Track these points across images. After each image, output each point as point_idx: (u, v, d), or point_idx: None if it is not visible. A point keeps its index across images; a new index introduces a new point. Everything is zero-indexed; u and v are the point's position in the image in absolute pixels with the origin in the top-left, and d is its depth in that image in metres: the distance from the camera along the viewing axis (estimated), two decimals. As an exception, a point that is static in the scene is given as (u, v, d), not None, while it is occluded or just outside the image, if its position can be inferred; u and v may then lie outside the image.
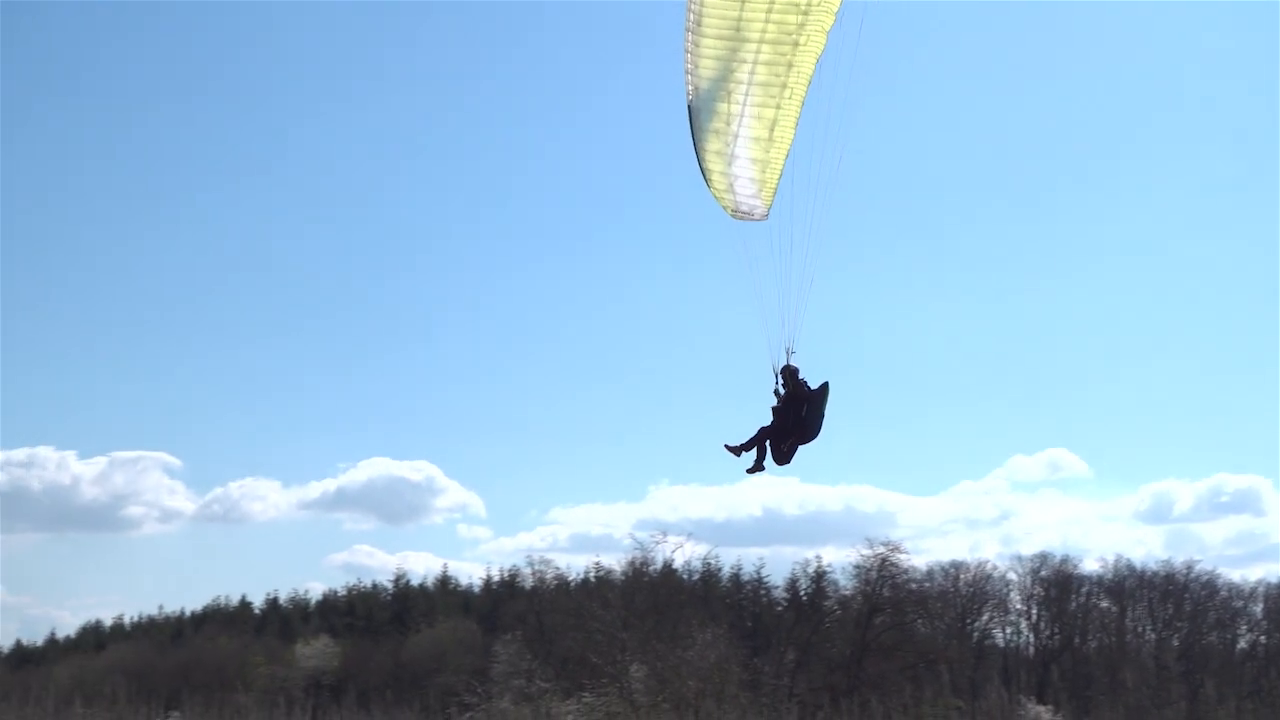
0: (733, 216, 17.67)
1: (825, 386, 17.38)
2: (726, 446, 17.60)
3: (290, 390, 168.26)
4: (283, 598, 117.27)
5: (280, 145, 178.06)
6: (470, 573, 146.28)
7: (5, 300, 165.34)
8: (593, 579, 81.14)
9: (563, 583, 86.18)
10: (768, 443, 17.45)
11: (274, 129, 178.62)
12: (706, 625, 62.20)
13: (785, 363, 17.34)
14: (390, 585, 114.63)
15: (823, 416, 17.46)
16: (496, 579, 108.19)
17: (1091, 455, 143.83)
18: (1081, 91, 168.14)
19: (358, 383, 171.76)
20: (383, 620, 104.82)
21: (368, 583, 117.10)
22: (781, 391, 17.30)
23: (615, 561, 77.14)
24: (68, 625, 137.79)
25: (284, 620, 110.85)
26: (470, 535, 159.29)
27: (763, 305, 16.90)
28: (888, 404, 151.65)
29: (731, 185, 17.56)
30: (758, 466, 17.50)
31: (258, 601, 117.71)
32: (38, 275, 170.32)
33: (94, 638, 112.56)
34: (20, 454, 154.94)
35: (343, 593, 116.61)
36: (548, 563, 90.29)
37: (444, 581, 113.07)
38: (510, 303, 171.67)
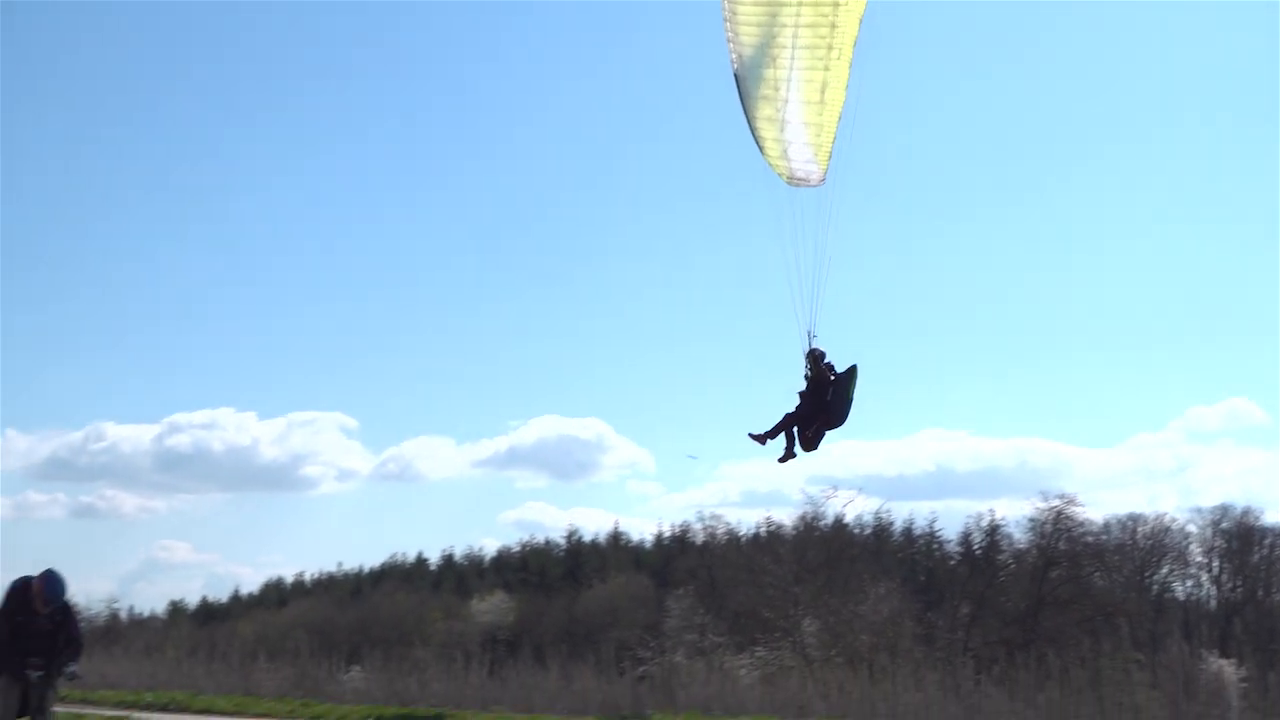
0: (788, 183, 17.15)
1: (852, 370, 16.90)
2: (751, 435, 17.27)
3: (462, 350, 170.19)
4: (458, 554, 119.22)
5: (430, 90, 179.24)
6: (641, 528, 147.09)
7: (190, 269, 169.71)
8: (763, 534, 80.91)
9: (734, 538, 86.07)
10: (795, 429, 17.05)
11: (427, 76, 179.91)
12: (879, 580, 61.73)
13: (810, 346, 16.91)
14: (563, 541, 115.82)
15: (850, 401, 16.96)
16: (668, 535, 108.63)
17: (1273, 404, 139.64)
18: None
19: (529, 341, 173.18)
20: (556, 576, 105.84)
21: (541, 539, 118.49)
22: (809, 375, 16.91)
23: (786, 516, 77.09)
24: (251, 582, 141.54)
25: (459, 576, 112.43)
26: (640, 491, 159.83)
27: (791, 286, 16.57)
28: (1061, 356, 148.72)
29: (785, 151, 17.05)
30: (789, 454, 17.14)
31: (434, 558, 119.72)
32: (218, 243, 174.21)
33: (276, 594, 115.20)
34: (203, 416, 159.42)
35: (516, 549, 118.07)
36: (718, 518, 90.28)
37: (615, 537, 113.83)
38: (684, 264, 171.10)
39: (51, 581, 15.88)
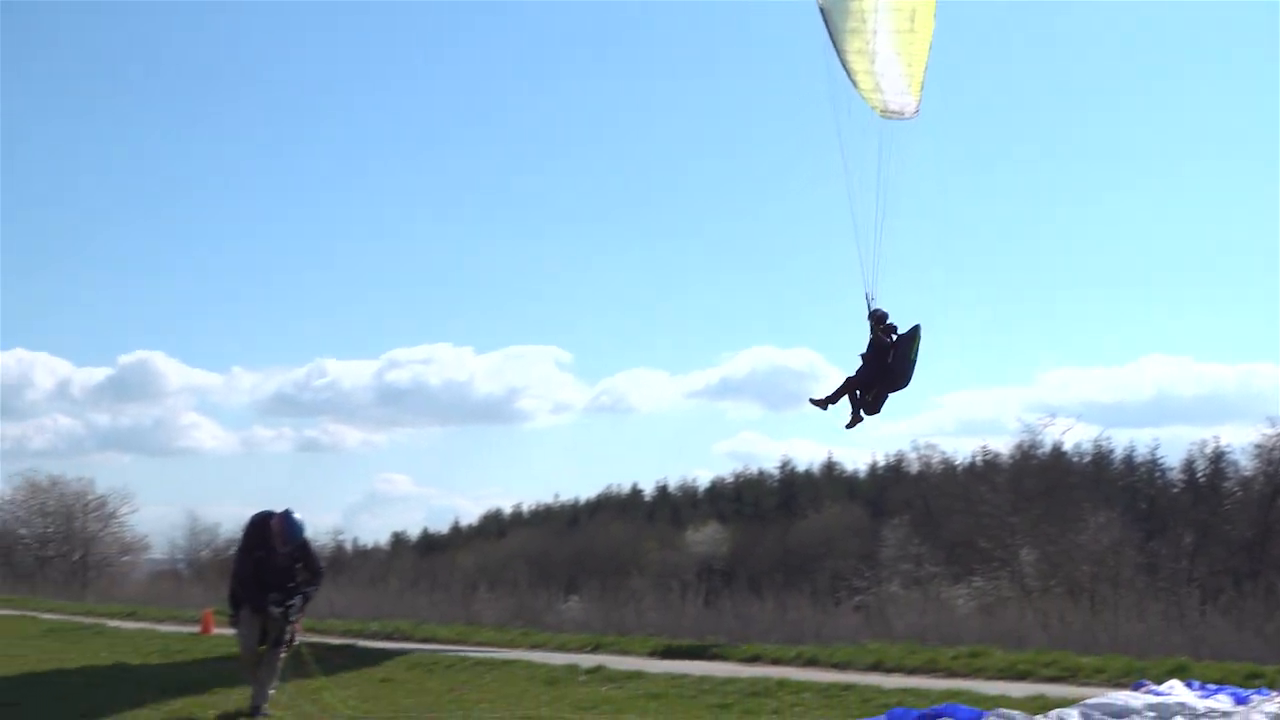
0: (882, 116, 16.49)
1: (914, 331, 16.38)
2: (812, 400, 16.88)
3: (674, 282, 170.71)
4: (672, 485, 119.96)
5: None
6: (855, 458, 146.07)
7: (409, 208, 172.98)
8: (979, 463, 79.87)
9: (949, 467, 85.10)
10: (858, 393, 16.61)
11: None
12: (1099, 508, 60.56)
13: (873, 308, 16.40)
14: (776, 472, 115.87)
15: (912, 364, 16.44)
16: (882, 464, 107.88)
17: None
18: None
19: (740, 271, 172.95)
20: (770, 506, 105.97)
21: (754, 469, 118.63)
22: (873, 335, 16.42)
23: (1002, 445, 75.81)
24: (470, 514, 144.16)
25: (674, 507, 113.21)
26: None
27: (856, 247, 16.03)
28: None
29: (878, 84, 16.40)
30: (855, 419, 16.68)
31: (648, 489, 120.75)
32: (433, 181, 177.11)
33: (495, 525, 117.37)
34: (421, 351, 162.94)
35: (730, 480, 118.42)
36: (933, 447, 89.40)
37: (829, 467, 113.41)
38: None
39: (289, 523, 16.38)
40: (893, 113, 16.46)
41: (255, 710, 15.82)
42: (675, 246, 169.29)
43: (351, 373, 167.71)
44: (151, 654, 24.09)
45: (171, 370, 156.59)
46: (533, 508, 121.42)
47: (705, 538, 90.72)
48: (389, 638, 28.19)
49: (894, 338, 16.31)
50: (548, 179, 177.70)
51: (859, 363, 16.60)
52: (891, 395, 16.94)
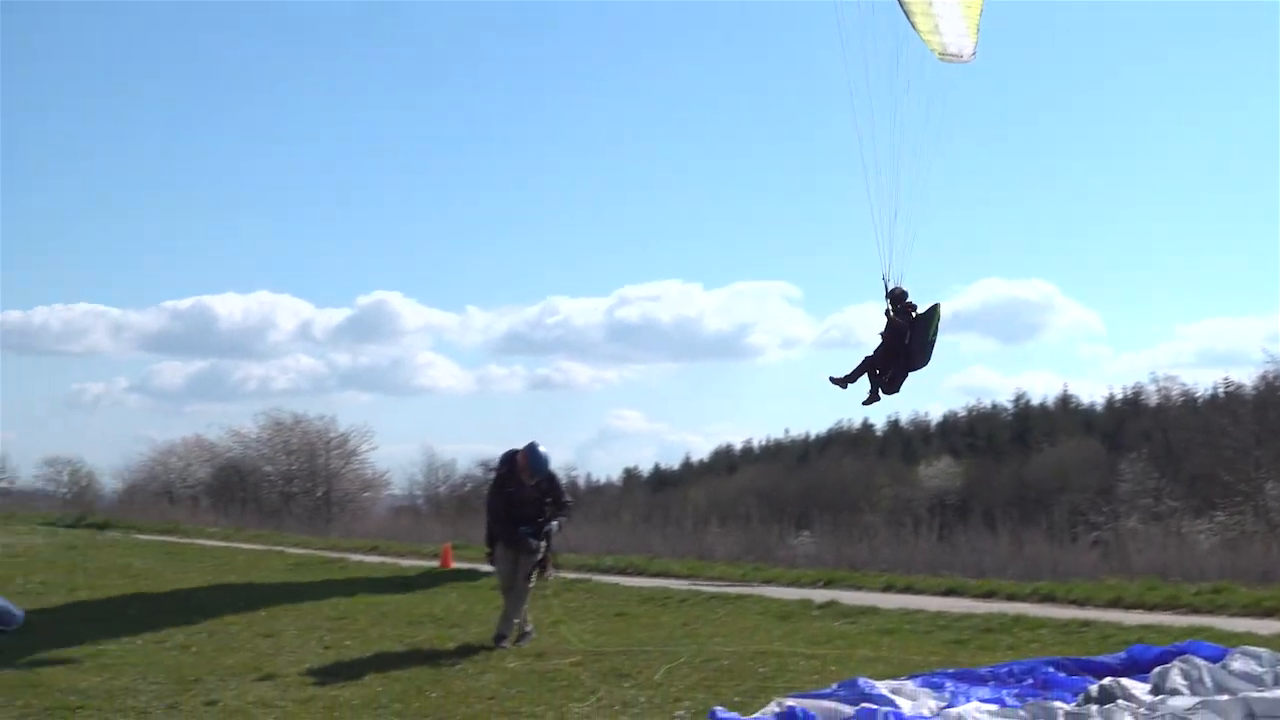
0: (940, 59, 15.81)
1: (933, 310, 15.70)
2: (831, 379, 16.34)
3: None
4: (903, 420, 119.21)
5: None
6: (1091, 391, 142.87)
7: (629, 145, 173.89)
8: (1221, 395, 77.89)
9: (1189, 399, 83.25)
10: (877, 371, 16.03)
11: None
12: (1349, 441, 58.63)
13: (893, 286, 15.76)
14: (1010, 405, 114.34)
15: (931, 343, 15.80)
16: (1119, 397, 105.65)
17: None
18: None
19: (970, 201, 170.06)
20: (1003, 440, 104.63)
21: (987, 403, 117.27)
22: (890, 314, 15.79)
23: (1245, 377, 73.72)
24: (700, 449, 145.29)
25: (905, 442, 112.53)
26: (1090, 354, 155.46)
27: (873, 226, 15.36)
28: None
29: (937, 26, 15.70)
30: (873, 397, 16.10)
31: (879, 424, 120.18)
32: (656, 116, 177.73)
33: (725, 461, 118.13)
34: (651, 289, 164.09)
35: (962, 414, 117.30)
36: (1173, 379, 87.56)
37: (1064, 401, 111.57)
38: (1130, 126, 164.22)
39: (534, 455, 16.76)
40: (951, 55, 16.03)
41: (499, 639, 16.21)
42: (892, 176, 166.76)
43: (583, 310, 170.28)
44: (393, 587, 24.80)
45: (408, 310, 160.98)
46: (763, 443, 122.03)
47: (938, 472, 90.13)
48: (623, 572, 28.54)
49: (914, 315, 16.01)
50: (774, 114, 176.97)
51: (885, 341, 16.39)
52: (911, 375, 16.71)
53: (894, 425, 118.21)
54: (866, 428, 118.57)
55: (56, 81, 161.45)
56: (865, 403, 16.50)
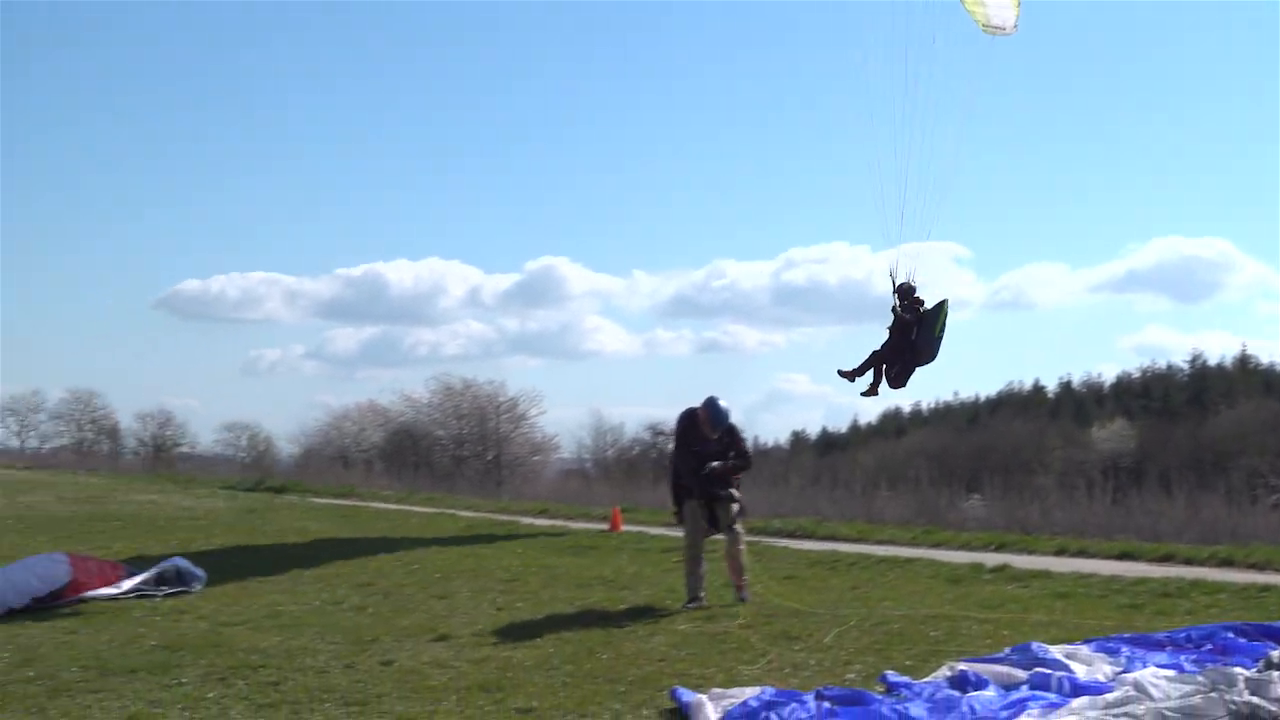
0: (984, 30, 15.34)
1: (940, 306, 15.23)
2: (840, 372, 15.93)
3: (1074, 170, 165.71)
4: (1075, 381, 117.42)
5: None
6: (1272, 351, 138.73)
7: (797, 109, 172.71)
8: None
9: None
10: (883, 366, 15.58)
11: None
12: None
13: (902, 281, 15.30)
14: (1186, 366, 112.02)
15: (938, 339, 15.37)
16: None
17: None
18: None
19: (1143, 161, 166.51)
20: (1179, 402, 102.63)
21: (1162, 364, 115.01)
22: (898, 309, 15.34)
23: None
24: (868, 412, 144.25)
25: (1078, 403, 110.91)
26: (1270, 312, 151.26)
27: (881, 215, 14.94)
28: None
29: None
30: (872, 390, 15.68)
31: (1051, 386, 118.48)
32: (825, 80, 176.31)
33: (894, 424, 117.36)
34: (817, 251, 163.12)
35: (1136, 375, 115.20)
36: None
37: (1244, 361, 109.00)
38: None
39: (714, 409, 16.87)
40: (994, 27, 15.72)
41: (694, 600, 16.33)
42: (1074, 135, 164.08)
43: (749, 273, 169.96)
44: (564, 550, 25.05)
45: (575, 275, 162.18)
46: (932, 406, 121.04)
47: (1111, 434, 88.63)
48: (791, 535, 28.48)
49: (920, 311, 15.74)
50: (941, 70, 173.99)
51: (886, 335, 16.18)
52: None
53: (1066, 387, 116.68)
54: (1038, 389, 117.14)
55: (232, 50, 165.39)
56: (864, 394, 16.58)
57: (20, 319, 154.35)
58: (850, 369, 16.86)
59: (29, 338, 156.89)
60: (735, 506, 16.90)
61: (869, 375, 17.04)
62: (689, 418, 17.17)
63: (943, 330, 16.06)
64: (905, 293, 15.87)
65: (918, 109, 14.78)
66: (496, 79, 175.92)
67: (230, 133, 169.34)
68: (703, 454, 16.78)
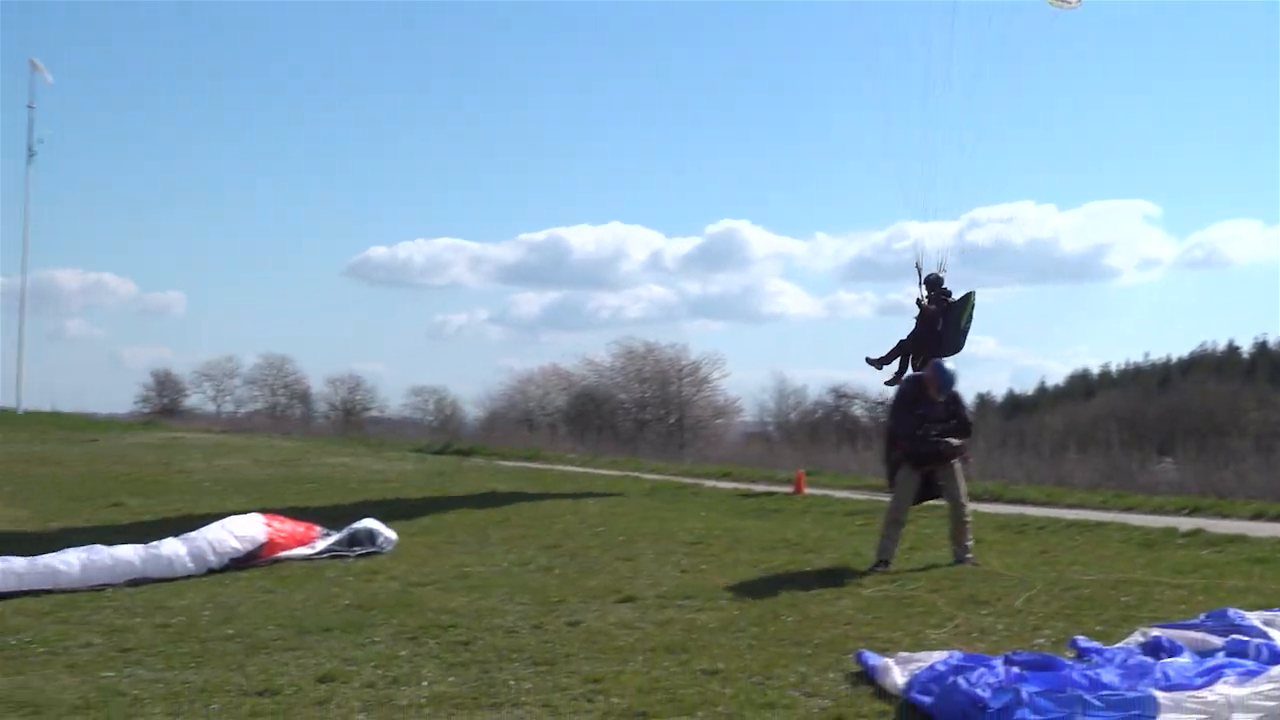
0: (1050, 4, 14.78)
1: (966, 298, 14.59)
2: (868, 360, 15.29)
3: (1269, 124, 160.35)
4: (1271, 341, 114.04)
5: None
6: None
7: (988, 64, 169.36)
8: None
9: None
10: (910, 355, 14.94)
11: None
12: None
13: (930, 273, 14.71)
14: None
15: (964, 331, 14.79)
16: None
17: None
18: None
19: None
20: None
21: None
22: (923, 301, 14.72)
23: None
24: (1055, 374, 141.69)
25: (1274, 364, 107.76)
26: None
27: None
28: None
29: None
30: (896, 379, 15.05)
31: (1245, 346, 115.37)
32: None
33: (1082, 385, 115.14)
34: (1003, 210, 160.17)
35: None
36: None
37: None
38: None
39: (941, 371, 16.77)
40: (1059, 3, 15.34)
41: (881, 563, 16.26)
42: (1266, 86, 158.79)
43: (932, 234, 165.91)
44: (747, 513, 25.06)
45: (756, 238, 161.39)
46: (1121, 367, 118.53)
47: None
48: (978, 499, 28.13)
49: (947, 303, 15.31)
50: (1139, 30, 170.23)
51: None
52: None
53: (1261, 347, 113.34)
54: (1232, 350, 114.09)
55: (400, 30, 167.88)
56: (888, 383, 16.38)
57: (217, 287, 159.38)
58: (877, 357, 16.87)
59: (225, 306, 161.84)
60: (963, 453, 16.88)
61: (894, 365, 17.09)
62: (916, 381, 17.14)
63: (969, 322, 16.06)
64: (933, 284, 15.83)
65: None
66: (674, 45, 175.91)
67: (417, 103, 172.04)
68: (927, 417, 16.67)
